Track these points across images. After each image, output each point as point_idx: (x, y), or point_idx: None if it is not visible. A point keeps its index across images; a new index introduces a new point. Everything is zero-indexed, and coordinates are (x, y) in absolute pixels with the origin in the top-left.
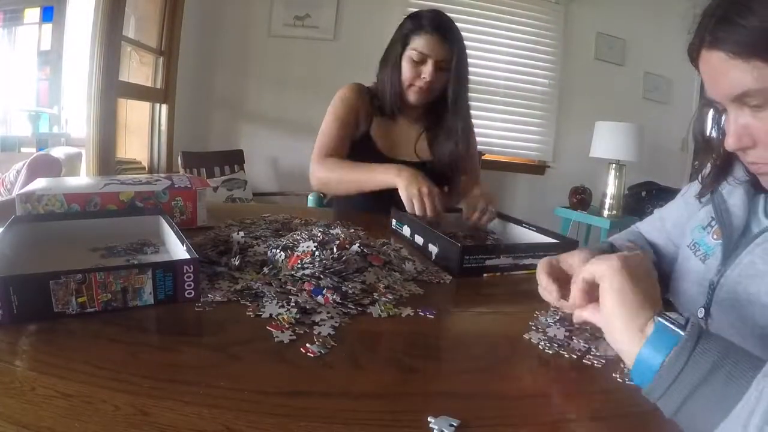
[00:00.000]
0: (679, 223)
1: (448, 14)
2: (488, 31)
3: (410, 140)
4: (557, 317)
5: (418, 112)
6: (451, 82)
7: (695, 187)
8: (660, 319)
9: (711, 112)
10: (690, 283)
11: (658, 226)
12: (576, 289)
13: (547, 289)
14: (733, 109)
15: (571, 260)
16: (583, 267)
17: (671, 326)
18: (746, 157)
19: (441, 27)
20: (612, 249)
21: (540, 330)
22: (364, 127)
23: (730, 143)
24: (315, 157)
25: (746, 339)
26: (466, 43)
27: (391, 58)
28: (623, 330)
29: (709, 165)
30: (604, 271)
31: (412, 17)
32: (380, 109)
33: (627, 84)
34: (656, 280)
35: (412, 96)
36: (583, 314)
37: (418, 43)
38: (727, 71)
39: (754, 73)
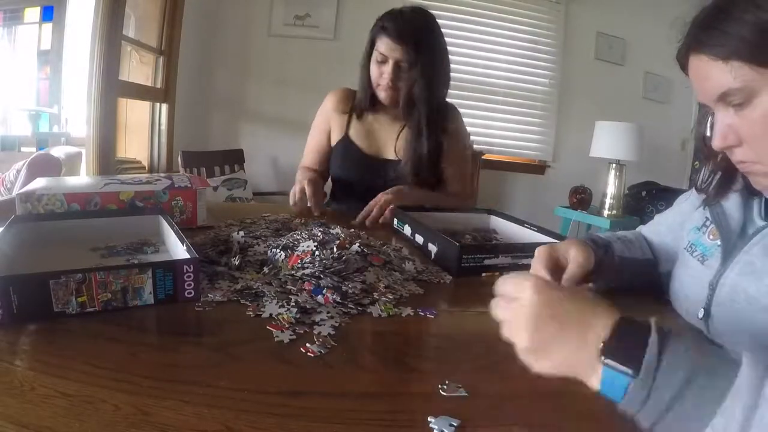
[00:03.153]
0: (673, 228)
1: (447, 12)
2: (488, 30)
3: (390, 138)
4: None
5: (397, 111)
6: (416, 84)
7: (693, 196)
8: (607, 362)
9: (708, 118)
10: (689, 284)
11: (654, 229)
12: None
13: None
14: (718, 110)
15: (567, 253)
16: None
17: (620, 369)
18: (734, 157)
19: (401, 27)
20: (606, 245)
21: None
22: (342, 131)
23: (716, 143)
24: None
25: (745, 338)
26: (466, 42)
27: (363, 60)
28: (571, 359)
29: (707, 173)
30: (519, 292)
31: (380, 18)
32: (356, 109)
33: (627, 84)
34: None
35: (381, 95)
36: None
37: (379, 44)
38: (709, 72)
39: (734, 73)
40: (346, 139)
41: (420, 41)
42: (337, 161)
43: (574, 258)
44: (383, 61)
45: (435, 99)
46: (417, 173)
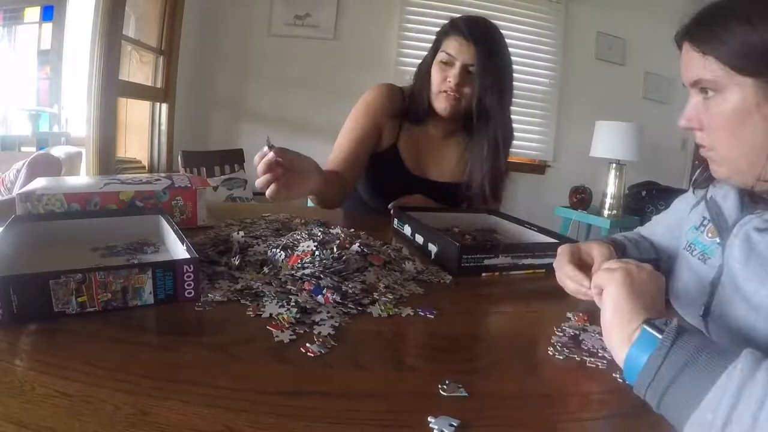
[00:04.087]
0: (670, 227)
1: (447, 12)
2: None
3: (439, 157)
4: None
5: (453, 126)
6: (477, 89)
7: (689, 196)
8: (645, 326)
9: None
10: (690, 283)
11: (652, 230)
12: (594, 294)
13: (574, 278)
14: (693, 94)
15: (590, 251)
16: (595, 274)
17: (654, 332)
18: (696, 139)
19: (474, 29)
20: (622, 247)
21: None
22: (391, 138)
23: (681, 121)
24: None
25: (745, 337)
26: None
27: (424, 64)
28: (616, 339)
29: (702, 168)
30: (607, 283)
31: (449, 21)
32: (411, 116)
33: (627, 84)
34: (661, 289)
35: (440, 104)
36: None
37: (447, 45)
38: (690, 59)
39: (706, 66)
40: (394, 150)
41: (494, 45)
42: (377, 174)
43: (600, 254)
44: (449, 63)
45: (508, 113)
46: (495, 192)
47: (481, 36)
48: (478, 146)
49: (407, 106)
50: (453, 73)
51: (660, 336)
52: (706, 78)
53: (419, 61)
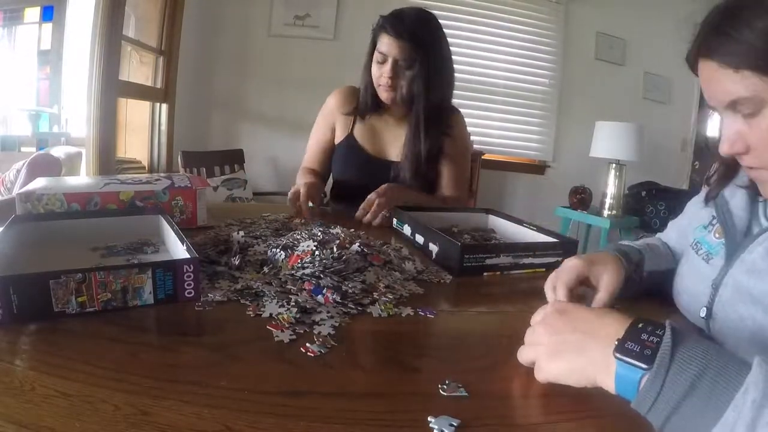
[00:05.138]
0: (684, 232)
1: (447, 12)
2: (488, 30)
3: (395, 139)
4: None
5: (403, 111)
6: (414, 82)
7: (699, 197)
8: (618, 356)
9: (715, 116)
10: (693, 282)
11: (667, 236)
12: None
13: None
14: (727, 115)
15: (599, 275)
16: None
17: (632, 363)
18: (742, 162)
19: (401, 26)
20: (640, 257)
21: None
22: (345, 130)
23: (723, 148)
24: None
25: (746, 340)
26: (466, 42)
27: (366, 61)
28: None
29: (714, 168)
30: (542, 366)
31: (382, 17)
32: (362, 107)
33: (627, 84)
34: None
35: (381, 95)
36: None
37: (380, 44)
38: (719, 80)
39: (745, 82)
40: (350, 139)
41: (419, 39)
42: (339, 161)
43: (607, 285)
44: (383, 61)
45: (435, 99)
46: (415, 173)
47: (407, 32)
48: (411, 131)
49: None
50: (385, 69)
51: (644, 366)
52: (745, 96)
53: None
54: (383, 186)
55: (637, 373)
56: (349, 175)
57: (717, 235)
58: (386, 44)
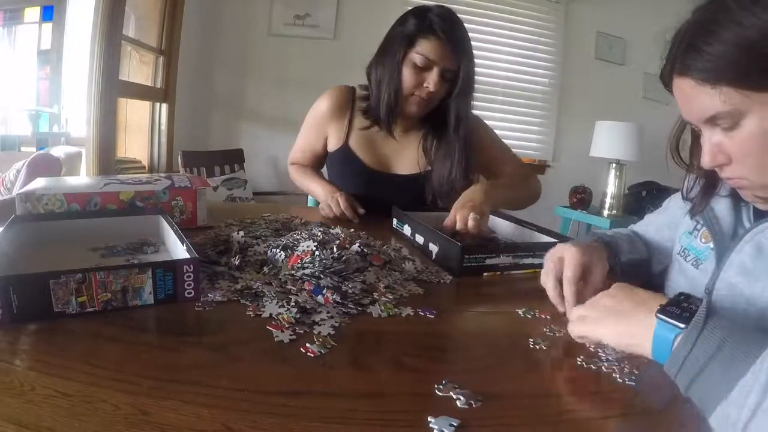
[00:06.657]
0: (660, 228)
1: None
2: (488, 30)
3: (400, 152)
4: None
5: (412, 122)
6: (456, 95)
7: (676, 199)
8: (660, 315)
9: (689, 131)
10: (685, 289)
11: (643, 229)
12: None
13: (552, 298)
14: (706, 130)
15: (594, 267)
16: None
17: (671, 322)
18: (723, 173)
19: (453, 31)
20: (617, 247)
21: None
22: (339, 140)
23: (705, 161)
24: (289, 159)
25: None
26: None
27: (388, 61)
28: (629, 321)
29: (692, 181)
30: (593, 332)
31: (418, 15)
32: (367, 118)
33: (627, 84)
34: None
35: (411, 107)
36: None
37: (426, 48)
38: (696, 96)
39: (722, 97)
40: (345, 150)
41: (469, 49)
42: (335, 172)
43: (597, 278)
44: (426, 67)
45: (465, 115)
46: (441, 189)
47: (457, 38)
48: (447, 150)
49: (366, 107)
50: (432, 79)
51: (681, 325)
52: (724, 111)
53: None
54: (466, 200)
55: (673, 332)
56: (346, 187)
57: (703, 240)
58: (435, 49)
